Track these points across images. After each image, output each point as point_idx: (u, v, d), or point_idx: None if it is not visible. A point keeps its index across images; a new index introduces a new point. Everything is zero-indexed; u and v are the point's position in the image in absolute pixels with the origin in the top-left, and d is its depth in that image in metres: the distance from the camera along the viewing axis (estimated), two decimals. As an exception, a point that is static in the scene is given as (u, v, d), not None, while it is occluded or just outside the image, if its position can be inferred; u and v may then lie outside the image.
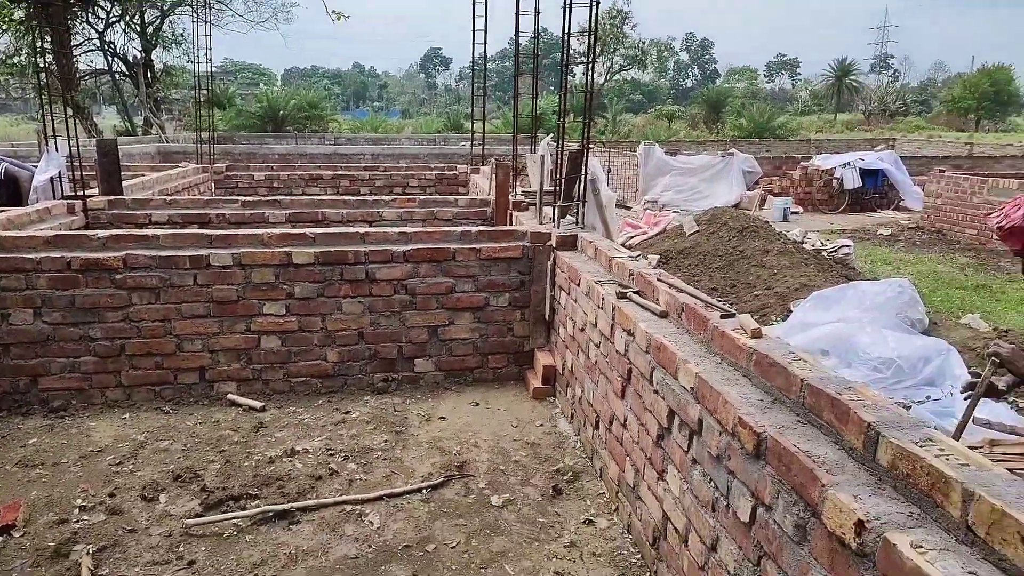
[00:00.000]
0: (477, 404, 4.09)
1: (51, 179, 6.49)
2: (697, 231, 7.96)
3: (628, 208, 12.70)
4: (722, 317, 2.47)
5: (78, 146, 6.20)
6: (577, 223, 4.63)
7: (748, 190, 13.11)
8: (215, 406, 3.99)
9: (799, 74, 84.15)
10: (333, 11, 6.47)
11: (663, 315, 2.83)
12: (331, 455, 3.42)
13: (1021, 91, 47.15)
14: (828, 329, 4.85)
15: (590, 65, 4.88)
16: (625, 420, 2.92)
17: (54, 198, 5.96)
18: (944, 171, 11.17)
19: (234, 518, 2.84)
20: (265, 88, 33.11)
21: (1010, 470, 3.21)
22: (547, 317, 4.35)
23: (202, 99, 9.94)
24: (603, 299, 3.25)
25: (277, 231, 4.30)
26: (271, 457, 3.37)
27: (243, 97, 26.84)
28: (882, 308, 5.14)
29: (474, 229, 4.52)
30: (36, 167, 5.93)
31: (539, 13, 6.75)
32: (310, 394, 4.19)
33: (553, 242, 4.34)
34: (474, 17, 8.56)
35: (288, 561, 2.62)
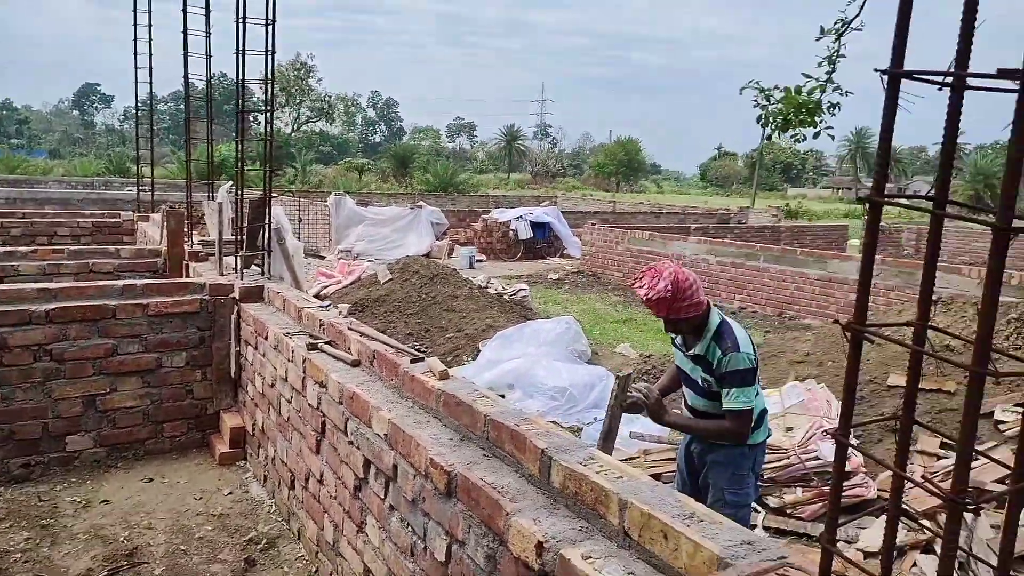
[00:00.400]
0: (151, 480, 3.59)
1: None
2: (391, 279, 8.12)
3: (322, 258, 12.50)
4: (412, 362, 2.53)
5: None
6: (263, 274, 4.40)
7: (438, 240, 13.81)
8: None
9: (476, 136, 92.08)
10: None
11: (355, 364, 2.80)
12: (-57, 572, 2.70)
13: (647, 160, 57.72)
14: (511, 365, 5.28)
15: (269, 112, 4.75)
16: (322, 476, 2.81)
17: None
18: (595, 224, 13.08)
19: None
20: None
21: (657, 475, 3.75)
22: (233, 375, 4.03)
23: None
24: (293, 352, 3.11)
25: None
26: None
27: None
28: (554, 343, 5.76)
29: (140, 282, 4.03)
30: None
31: (211, 57, 6.41)
32: (-90, 497, 3.28)
33: (236, 294, 4.06)
34: (135, 53, 7.79)
35: None
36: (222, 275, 4.58)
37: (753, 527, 3.09)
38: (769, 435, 2.72)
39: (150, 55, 7.87)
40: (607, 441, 2.63)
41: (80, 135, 67.95)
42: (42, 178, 18.83)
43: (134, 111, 8.88)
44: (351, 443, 2.51)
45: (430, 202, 16.28)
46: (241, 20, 4.00)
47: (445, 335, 6.68)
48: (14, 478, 3.53)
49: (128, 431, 3.85)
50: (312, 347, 3.01)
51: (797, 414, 4.06)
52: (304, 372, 2.97)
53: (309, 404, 2.91)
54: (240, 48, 4.04)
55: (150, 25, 7.53)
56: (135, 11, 7.69)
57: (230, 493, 3.50)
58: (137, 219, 8.21)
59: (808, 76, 5.21)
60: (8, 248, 5.53)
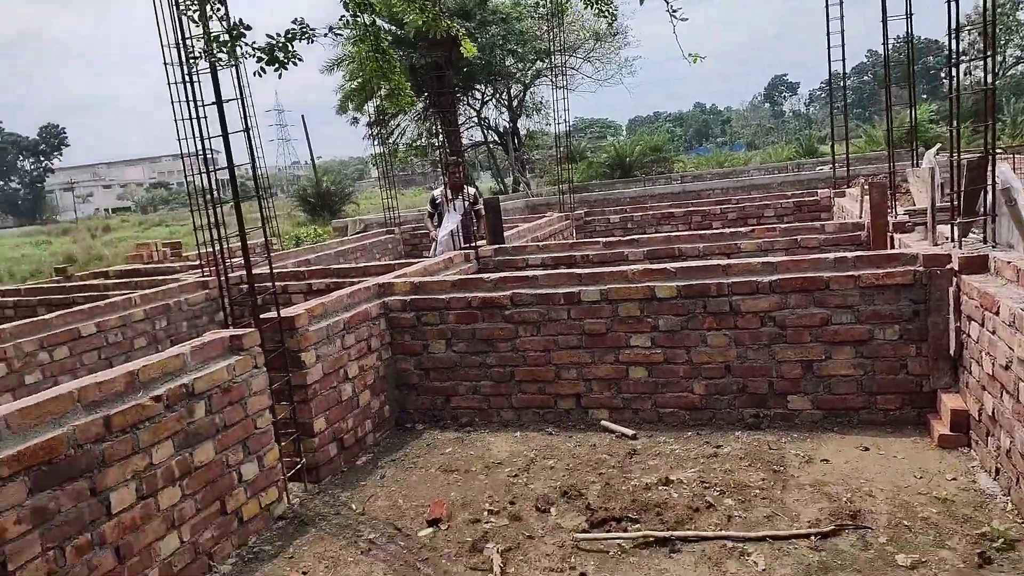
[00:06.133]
0: (867, 449, 3.66)
1: (451, 233, 7.72)
2: None
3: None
4: None
5: (471, 207, 7.28)
6: (985, 241, 3.92)
7: None
8: (591, 431, 4.25)
9: None
10: (689, 54, 6.60)
11: None
12: (706, 488, 3.37)
13: None
14: None
15: (988, 58, 4.16)
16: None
17: (454, 249, 7.07)
18: None
19: (617, 538, 2.95)
20: (612, 139, 35.15)
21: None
22: (952, 352, 3.73)
23: (561, 156, 10.93)
24: (1038, 328, 2.67)
25: (639, 267, 4.46)
26: (647, 484, 3.44)
27: (592, 150, 28.83)
28: None
29: (850, 255, 4.12)
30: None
31: (911, 16, 6.02)
32: (678, 425, 4.21)
33: (955, 264, 3.73)
34: (828, 33, 7.97)
35: (672, 589, 2.63)
36: (935, 245, 4.29)
37: None
38: None
39: (842, 32, 7.97)
40: None
41: (771, 124, 74.37)
42: (744, 168, 21.42)
43: (820, 94, 9.14)
44: None
45: None
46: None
47: None
48: (747, 425, 4.13)
49: (842, 398, 4.02)
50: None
51: None
52: (1056, 353, 2.51)
53: (1064, 391, 2.44)
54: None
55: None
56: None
57: (954, 479, 3.26)
58: (833, 195, 8.47)
59: None
60: (730, 229, 6.49)
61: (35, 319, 5.01)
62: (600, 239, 6.88)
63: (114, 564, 2.65)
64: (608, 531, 3.04)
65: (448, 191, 8.00)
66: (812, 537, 2.87)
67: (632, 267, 4.50)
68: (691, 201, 10.38)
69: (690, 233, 6.57)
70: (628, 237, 6.73)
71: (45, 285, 7.64)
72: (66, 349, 5.00)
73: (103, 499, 2.64)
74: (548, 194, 17.37)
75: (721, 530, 2.98)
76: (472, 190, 7.81)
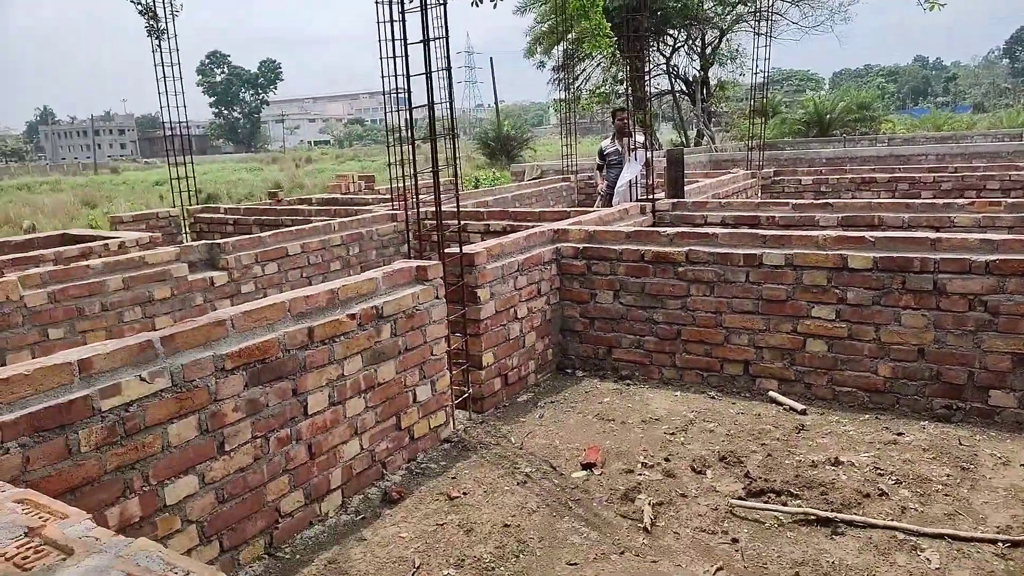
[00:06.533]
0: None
1: (628, 183, 7.62)
2: None
3: None
4: None
5: (652, 158, 7.12)
6: None
7: None
8: (756, 400, 4.10)
9: None
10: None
11: None
12: (879, 474, 3.15)
13: None
14: None
15: None
16: None
17: (631, 200, 6.98)
18: None
19: (776, 511, 2.87)
20: (811, 93, 32.37)
21: None
22: None
23: (753, 109, 10.29)
24: None
25: (832, 234, 4.16)
26: (813, 461, 3.29)
27: (787, 105, 26.82)
28: None
29: (1095, 239, 3.56)
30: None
31: None
32: (855, 407, 3.94)
33: None
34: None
35: (830, 570, 2.52)
36: None
37: None
38: None
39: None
40: None
41: (1007, 84, 64.61)
42: (966, 133, 18.91)
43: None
44: None
45: None
46: None
47: None
48: (936, 416, 3.78)
49: (1059, 400, 3.55)
50: None
51: None
52: None
53: None
54: None
55: None
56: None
57: None
58: (1079, 170, 7.30)
59: None
60: (943, 200, 5.82)
61: (251, 236, 5.66)
62: (789, 200, 6.46)
63: (306, 459, 3.01)
64: (766, 502, 2.96)
65: (617, 142, 7.89)
66: (1000, 543, 2.61)
67: (823, 233, 4.20)
68: (898, 166, 9.41)
69: (894, 201, 5.98)
70: (821, 201, 6.27)
71: (259, 207, 8.58)
72: (275, 265, 5.62)
73: (302, 400, 2.98)
74: (734, 149, 16.51)
75: (893, 520, 2.79)
76: (640, 138, 7.61)
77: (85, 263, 4.61)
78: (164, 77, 7.70)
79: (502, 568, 2.62)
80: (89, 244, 5.37)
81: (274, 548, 2.84)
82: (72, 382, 2.28)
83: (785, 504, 2.94)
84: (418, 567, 2.65)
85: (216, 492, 2.65)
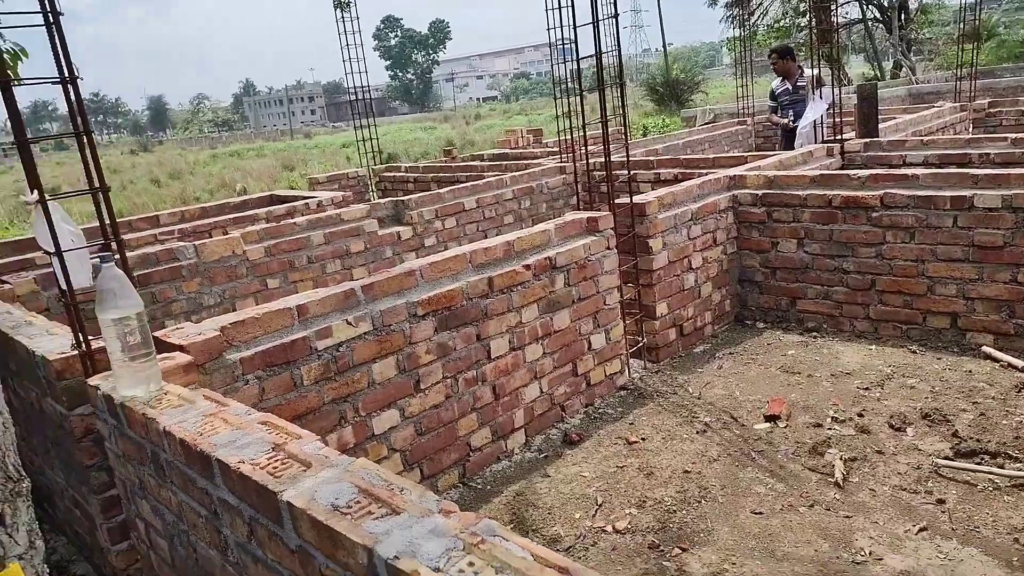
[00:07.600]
0: None
1: (813, 124, 7.08)
2: None
3: None
4: None
5: (840, 94, 6.53)
6: None
7: None
8: (966, 355, 3.72)
9: None
10: None
11: None
12: (1122, 443, 2.77)
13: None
14: None
15: None
16: None
17: (815, 142, 6.49)
18: None
19: (991, 472, 2.62)
20: (1040, 8, 27.67)
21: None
22: None
23: (962, 33, 9.05)
24: None
25: (1066, 170, 3.61)
26: (1036, 424, 2.95)
27: (1006, 25, 23.23)
28: None
29: None
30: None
31: None
32: (1091, 366, 3.46)
33: None
34: None
35: (1057, 542, 2.28)
36: None
37: None
38: None
39: None
40: None
41: None
42: None
43: None
44: None
45: None
46: None
47: None
48: None
49: None
50: None
51: None
52: None
53: None
54: None
55: None
56: None
57: None
58: None
59: None
60: None
61: (431, 192, 5.96)
62: (1008, 135, 5.67)
63: (491, 399, 3.19)
64: (979, 463, 2.71)
65: (788, 81, 7.37)
66: None
67: (1053, 169, 3.67)
68: None
69: None
70: (1050, 133, 5.44)
71: (436, 164, 8.99)
72: (453, 219, 5.90)
73: (485, 345, 3.15)
74: (939, 80, 14.68)
75: None
76: (809, 72, 6.99)
77: (292, 221, 5.12)
78: (347, 45, 8.21)
79: (684, 512, 2.64)
80: (293, 204, 5.95)
81: (467, 479, 3.07)
82: (292, 325, 2.59)
83: (1002, 466, 2.67)
84: (600, 504, 2.74)
85: (415, 425, 2.90)
